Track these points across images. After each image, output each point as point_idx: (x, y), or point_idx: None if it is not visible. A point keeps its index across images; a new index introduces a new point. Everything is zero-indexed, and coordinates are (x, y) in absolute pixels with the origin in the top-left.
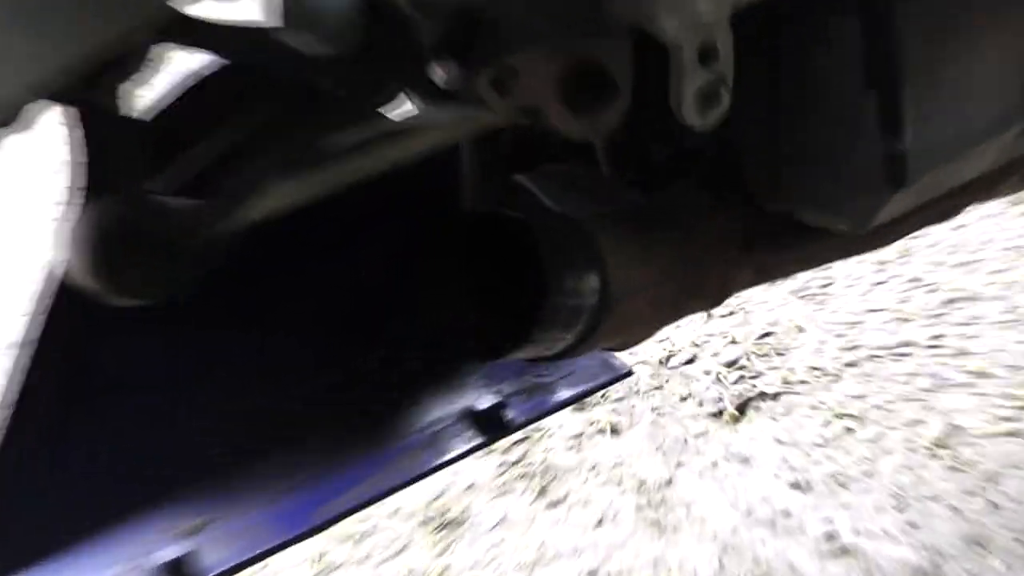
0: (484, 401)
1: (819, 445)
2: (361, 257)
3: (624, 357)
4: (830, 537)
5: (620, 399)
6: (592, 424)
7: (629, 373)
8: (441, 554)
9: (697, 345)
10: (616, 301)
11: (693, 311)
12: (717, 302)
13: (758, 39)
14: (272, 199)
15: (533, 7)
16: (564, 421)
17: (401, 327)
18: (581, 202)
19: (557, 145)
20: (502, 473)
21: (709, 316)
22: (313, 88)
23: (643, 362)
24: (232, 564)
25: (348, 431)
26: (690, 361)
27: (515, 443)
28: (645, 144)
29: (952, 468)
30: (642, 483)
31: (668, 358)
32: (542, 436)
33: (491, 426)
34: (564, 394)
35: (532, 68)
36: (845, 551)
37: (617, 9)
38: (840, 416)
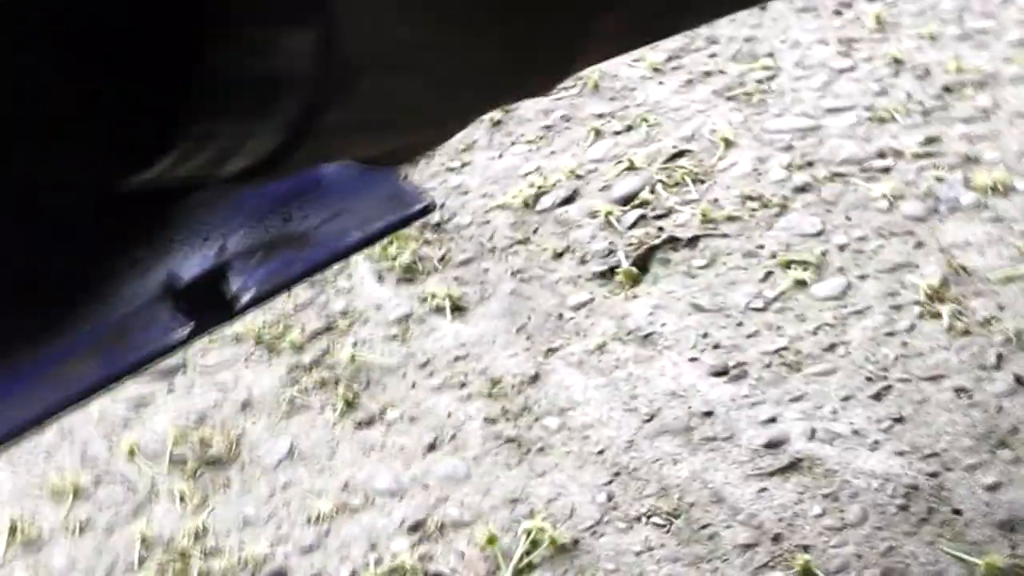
0: (193, 266)
1: (758, 310)
2: None
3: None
4: (773, 444)
5: (466, 262)
6: (424, 301)
7: (430, 208)
8: (196, 511)
9: (578, 176)
10: (357, 68)
11: (520, 92)
12: (558, 77)
13: None
14: None
15: None
16: (383, 299)
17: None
18: None
19: None
20: (293, 382)
21: (597, 134)
22: None
23: (500, 206)
24: None
25: None
26: (568, 200)
27: (312, 337)
28: None
29: (956, 330)
30: (496, 383)
31: (536, 198)
32: (351, 324)
33: (206, 305)
34: (325, 248)
35: None
36: (796, 465)
37: None
38: (788, 265)
